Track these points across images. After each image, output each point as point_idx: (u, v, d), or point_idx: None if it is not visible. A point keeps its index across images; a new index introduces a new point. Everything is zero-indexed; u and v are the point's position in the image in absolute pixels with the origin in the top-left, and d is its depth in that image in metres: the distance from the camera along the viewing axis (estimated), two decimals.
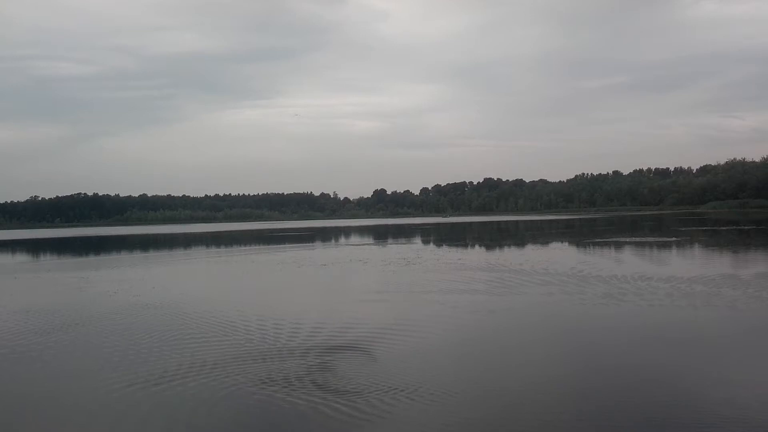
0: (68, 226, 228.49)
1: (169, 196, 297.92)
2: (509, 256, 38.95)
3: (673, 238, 50.78)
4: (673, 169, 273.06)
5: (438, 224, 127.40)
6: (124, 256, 54.84)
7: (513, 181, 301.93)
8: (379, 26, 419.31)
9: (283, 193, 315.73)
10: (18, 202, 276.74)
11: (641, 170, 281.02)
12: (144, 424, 9.54)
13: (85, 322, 18.58)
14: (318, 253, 48.28)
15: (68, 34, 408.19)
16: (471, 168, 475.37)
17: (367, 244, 59.09)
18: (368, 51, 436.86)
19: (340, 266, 34.58)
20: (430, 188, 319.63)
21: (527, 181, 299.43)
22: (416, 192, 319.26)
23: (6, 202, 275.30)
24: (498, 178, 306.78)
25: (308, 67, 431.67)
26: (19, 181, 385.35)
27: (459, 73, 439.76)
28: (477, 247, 52.87)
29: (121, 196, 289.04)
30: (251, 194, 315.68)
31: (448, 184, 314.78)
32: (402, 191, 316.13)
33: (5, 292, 27.97)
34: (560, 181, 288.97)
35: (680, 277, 23.97)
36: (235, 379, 11.50)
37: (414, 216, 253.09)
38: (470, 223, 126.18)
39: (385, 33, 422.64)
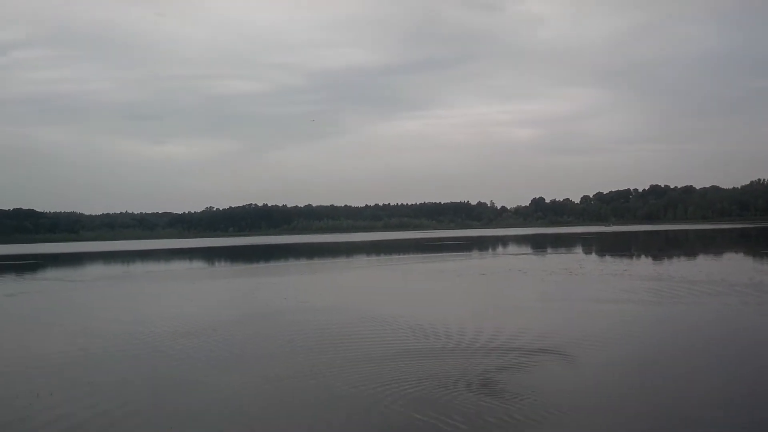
0: (240, 235, 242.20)
1: (332, 206, 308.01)
2: (679, 266, 37.06)
3: None
4: None
5: (600, 233, 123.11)
6: (292, 263, 57.55)
7: (682, 187, 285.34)
8: (535, 31, 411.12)
9: (440, 202, 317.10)
10: (195, 212, 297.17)
11: None
12: (294, 411, 10.12)
13: (259, 322, 19.80)
14: (476, 262, 48.24)
15: (237, 53, 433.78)
16: (635, 174, 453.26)
17: (526, 254, 58.27)
18: (524, 57, 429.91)
19: (499, 276, 34.37)
20: (591, 196, 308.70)
21: (697, 188, 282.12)
22: (576, 200, 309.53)
23: (184, 212, 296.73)
24: (665, 185, 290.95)
25: (464, 76, 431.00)
26: (196, 193, 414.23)
27: (619, 75, 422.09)
28: (644, 257, 50.69)
29: (288, 206, 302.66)
30: (409, 203, 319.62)
31: (610, 192, 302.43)
32: (561, 199, 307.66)
33: (186, 296, 30.28)
34: (734, 188, 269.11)
35: None
36: (390, 376, 11.87)
37: (574, 225, 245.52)
38: (635, 233, 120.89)
39: (541, 38, 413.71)
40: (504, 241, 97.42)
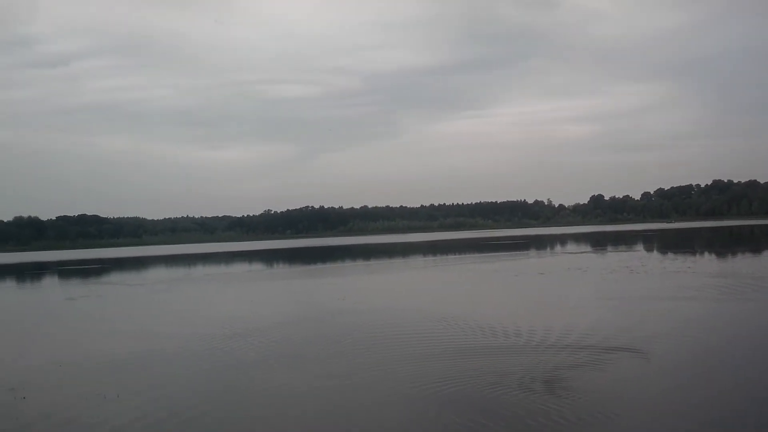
0: (298, 237, 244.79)
1: (387, 207, 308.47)
2: (745, 262, 35.95)
3: None
4: None
5: (662, 230, 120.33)
6: (349, 265, 57.85)
7: (745, 182, 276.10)
8: (592, 27, 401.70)
9: (496, 201, 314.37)
10: (254, 215, 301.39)
11: None
12: (341, 411, 10.16)
13: (317, 323, 20.00)
14: (534, 261, 47.68)
15: (293, 57, 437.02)
16: (697, 169, 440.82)
17: (585, 252, 57.34)
18: (580, 53, 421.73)
19: (558, 274, 33.90)
20: (651, 192, 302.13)
21: (762, 182, 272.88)
22: (636, 197, 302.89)
23: (243, 215, 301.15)
24: (728, 180, 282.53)
25: (520, 73, 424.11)
26: (255, 196, 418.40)
27: (678, 69, 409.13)
28: (707, 254, 49.36)
29: (344, 208, 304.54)
30: (465, 203, 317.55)
31: (672, 188, 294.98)
32: (621, 196, 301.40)
33: (244, 298, 30.72)
34: None
35: None
36: (449, 375, 11.83)
37: (634, 222, 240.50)
38: (698, 229, 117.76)
39: (598, 34, 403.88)
40: (562, 239, 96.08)
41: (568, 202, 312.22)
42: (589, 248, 65.41)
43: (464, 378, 12.01)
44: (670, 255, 47.32)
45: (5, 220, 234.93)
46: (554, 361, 13.03)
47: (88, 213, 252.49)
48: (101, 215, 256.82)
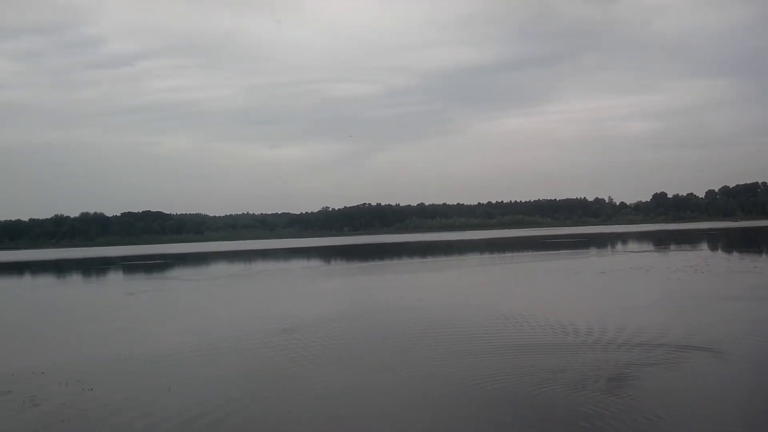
0: (355, 234, 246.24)
1: (444, 204, 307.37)
2: None
3: None
4: None
5: (727, 229, 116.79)
6: (406, 262, 57.88)
7: None
8: (653, 22, 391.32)
9: (555, 199, 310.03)
10: (312, 212, 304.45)
11: None
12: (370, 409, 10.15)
13: (375, 318, 20.11)
14: (594, 260, 46.88)
15: (351, 56, 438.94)
16: (763, 167, 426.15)
17: (647, 251, 56.09)
18: (642, 49, 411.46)
19: (620, 273, 33.26)
20: (716, 190, 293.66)
21: None
22: (701, 195, 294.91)
23: (302, 213, 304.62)
24: None
25: (579, 70, 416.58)
26: (313, 193, 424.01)
27: (743, 65, 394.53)
28: None
29: (401, 205, 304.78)
30: (523, 201, 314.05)
31: (737, 185, 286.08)
32: (684, 194, 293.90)
33: (302, 294, 31.05)
34: None
35: None
36: (499, 370, 11.74)
37: (699, 221, 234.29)
38: (765, 228, 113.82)
39: (659, 29, 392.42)
40: (623, 238, 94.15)
41: (630, 200, 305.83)
42: (651, 247, 63.99)
43: (520, 375, 11.90)
44: (736, 254, 45.96)
45: (72, 216, 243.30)
46: (623, 359, 12.84)
47: (152, 209, 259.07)
48: (164, 212, 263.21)
